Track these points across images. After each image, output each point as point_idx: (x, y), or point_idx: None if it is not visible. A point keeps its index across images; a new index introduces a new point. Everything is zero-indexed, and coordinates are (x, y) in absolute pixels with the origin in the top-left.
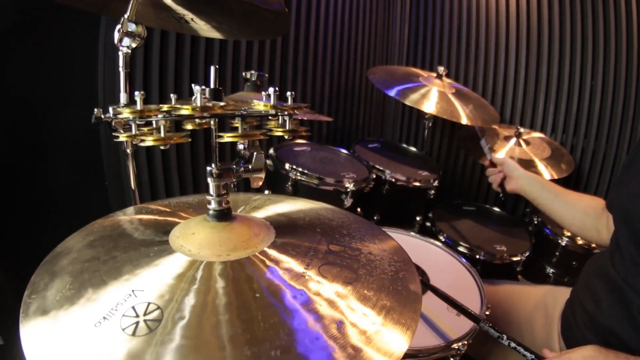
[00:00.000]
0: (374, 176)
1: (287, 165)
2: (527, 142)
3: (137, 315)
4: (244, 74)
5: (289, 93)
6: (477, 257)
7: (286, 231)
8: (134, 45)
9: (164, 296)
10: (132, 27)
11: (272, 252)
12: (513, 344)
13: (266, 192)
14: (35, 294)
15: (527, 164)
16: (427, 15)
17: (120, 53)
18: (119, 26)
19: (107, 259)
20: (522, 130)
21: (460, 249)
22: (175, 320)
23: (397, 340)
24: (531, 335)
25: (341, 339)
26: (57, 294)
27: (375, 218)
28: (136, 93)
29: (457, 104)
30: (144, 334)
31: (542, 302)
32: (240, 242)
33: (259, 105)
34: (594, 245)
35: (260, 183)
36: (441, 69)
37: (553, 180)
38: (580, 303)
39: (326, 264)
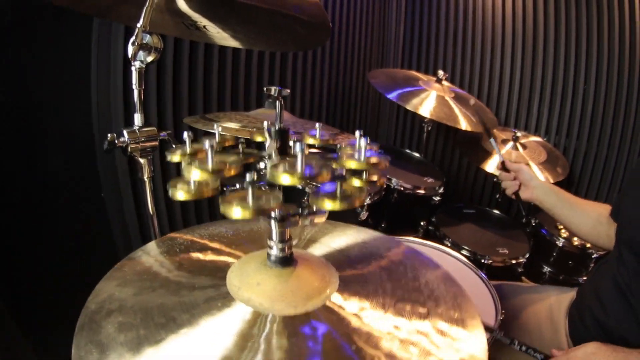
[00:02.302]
0: (384, 186)
1: None
2: (524, 146)
3: None
4: (265, 89)
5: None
6: (482, 261)
7: (344, 268)
8: (149, 59)
9: None
10: (146, 38)
11: (347, 296)
12: (524, 348)
13: None
14: None
15: None
16: (422, 17)
17: (133, 68)
18: (133, 39)
19: (164, 322)
20: (519, 134)
21: (464, 252)
22: None
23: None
24: (539, 337)
25: None
26: None
27: (383, 226)
28: (185, 135)
29: (456, 108)
30: None
31: (547, 304)
32: (312, 290)
33: (344, 160)
34: (588, 245)
35: (322, 221)
36: (441, 73)
37: None
38: (589, 308)
39: (399, 302)
